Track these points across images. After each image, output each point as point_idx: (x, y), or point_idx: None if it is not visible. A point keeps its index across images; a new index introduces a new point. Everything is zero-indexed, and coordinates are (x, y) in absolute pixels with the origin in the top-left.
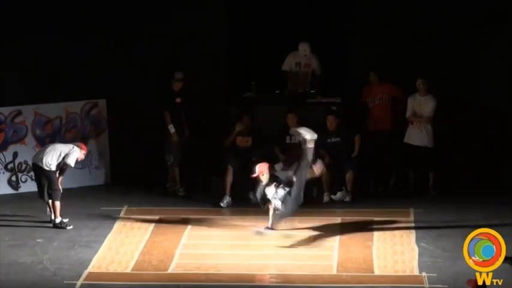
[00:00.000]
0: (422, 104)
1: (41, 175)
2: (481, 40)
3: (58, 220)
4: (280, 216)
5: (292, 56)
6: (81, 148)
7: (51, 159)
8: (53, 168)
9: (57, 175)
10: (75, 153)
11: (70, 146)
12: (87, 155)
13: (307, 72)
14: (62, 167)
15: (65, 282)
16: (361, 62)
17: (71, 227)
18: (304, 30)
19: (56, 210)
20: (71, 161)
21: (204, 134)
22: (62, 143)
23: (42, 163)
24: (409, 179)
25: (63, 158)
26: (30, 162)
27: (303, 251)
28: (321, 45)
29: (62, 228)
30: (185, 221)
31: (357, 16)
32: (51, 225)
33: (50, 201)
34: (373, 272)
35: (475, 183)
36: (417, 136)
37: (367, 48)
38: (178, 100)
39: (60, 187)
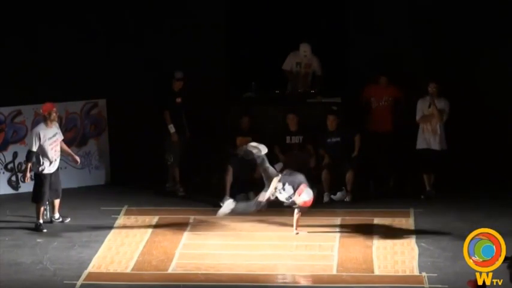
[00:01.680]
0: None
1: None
2: (482, 41)
3: (39, 222)
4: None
5: (293, 56)
6: (45, 115)
7: (35, 162)
8: (37, 171)
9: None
10: (33, 134)
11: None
12: (87, 155)
13: (308, 73)
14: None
15: (64, 282)
16: (362, 62)
17: (45, 230)
18: (305, 30)
19: (38, 212)
20: (30, 145)
21: (204, 134)
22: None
23: (35, 171)
24: (407, 182)
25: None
26: None
27: (303, 251)
28: (321, 45)
29: (39, 231)
30: (185, 221)
31: (358, 16)
32: (51, 225)
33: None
34: (373, 272)
35: (475, 183)
36: (431, 140)
37: (368, 48)
38: (178, 100)
39: (28, 175)
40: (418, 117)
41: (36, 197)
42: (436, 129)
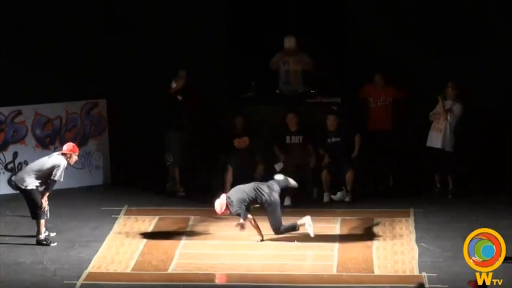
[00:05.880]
0: (450, 109)
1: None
2: (483, 41)
3: (42, 237)
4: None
5: (280, 55)
6: (67, 154)
7: (29, 177)
8: (30, 186)
9: (43, 191)
10: (61, 167)
11: (52, 160)
12: (87, 155)
13: (297, 70)
14: (49, 182)
15: (65, 282)
16: (362, 62)
17: (55, 243)
18: (305, 30)
19: (40, 227)
20: (60, 176)
21: (204, 134)
22: (46, 157)
23: (20, 183)
24: (436, 184)
25: (49, 173)
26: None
27: (303, 251)
28: (321, 45)
29: (46, 245)
30: (185, 221)
31: (359, 16)
32: (51, 225)
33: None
34: (373, 272)
35: (475, 183)
36: (434, 137)
37: (369, 48)
38: (179, 97)
39: (45, 203)
40: (430, 114)
41: (40, 214)
42: (440, 128)
